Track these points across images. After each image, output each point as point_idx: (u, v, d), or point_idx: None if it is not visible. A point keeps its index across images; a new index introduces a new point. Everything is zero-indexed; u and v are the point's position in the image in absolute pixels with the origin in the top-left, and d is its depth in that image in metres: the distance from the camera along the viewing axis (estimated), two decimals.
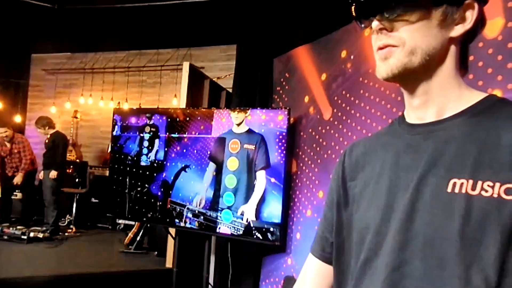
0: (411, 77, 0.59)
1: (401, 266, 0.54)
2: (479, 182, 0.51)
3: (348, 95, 2.08)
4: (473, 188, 0.51)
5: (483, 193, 0.50)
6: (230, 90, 3.58)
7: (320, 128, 2.29)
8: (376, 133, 0.74)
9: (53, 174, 4.37)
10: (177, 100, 4.93)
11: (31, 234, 4.02)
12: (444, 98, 0.59)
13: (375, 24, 0.58)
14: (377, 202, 0.61)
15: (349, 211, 0.68)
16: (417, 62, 0.57)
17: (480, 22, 0.59)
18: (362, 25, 0.62)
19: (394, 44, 0.57)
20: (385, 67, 0.58)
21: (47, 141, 4.59)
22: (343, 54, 2.17)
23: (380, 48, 0.59)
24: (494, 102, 0.57)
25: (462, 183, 0.52)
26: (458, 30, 0.58)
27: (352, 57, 2.10)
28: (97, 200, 5.31)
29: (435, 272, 0.51)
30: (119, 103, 5.82)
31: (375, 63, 0.61)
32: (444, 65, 0.59)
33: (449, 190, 0.52)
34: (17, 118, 5.86)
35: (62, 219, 5.09)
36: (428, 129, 0.59)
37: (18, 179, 4.52)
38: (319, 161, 2.28)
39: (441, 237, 0.51)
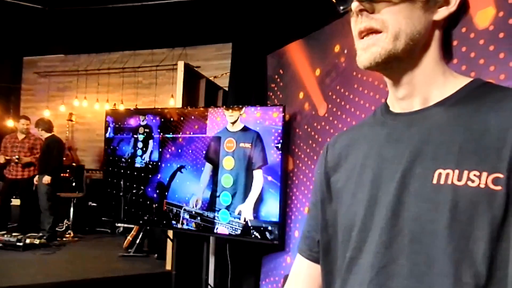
0: (394, 65, 0.56)
1: (387, 265, 0.52)
2: (465, 172, 0.48)
3: (342, 90, 2.05)
4: (459, 179, 0.48)
5: (469, 183, 0.47)
6: (227, 89, 3.54)
7: (315, 124, 2.26)
8: (359, 123, 0.71)
9: (46, 179, 4.32)
10: (174, 101, 4.89)
11: (27, 241, 3.95)
12: (429, 86, 0.57)
13: (354, 5, 0.55)
14: (360, 196, 0.58)
15: (333, 207, 0.65)
16: (401, 48, 0.54)
17: (463, 5, 0.56)
18: (341, 8, 0.58)
19: (377, 28, 0.54)
20: (367, 56, 0.55)
21: (42, 145, 4.57)
22: (336, 48, 2.13)
23: (361, 31, 0.55)
24: (479, 86, 0.55)
25: (447, 174, 0.49)
26: (442, 13, 0.55)
27: (345, 51, 2.07)
28: (95, 204, 5.27)
29: (422, 269, 0.49)
30: (114, 104, 5.77)
31: None
32: (428, 51, 0.56)
33: (434, 181, 0.50)
34: (10, 123, 5.81)
35: (60, 224, 5.05)
36: (411, 117, 0.57)
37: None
38: (315, 157, 2.25)
39: (428, 232, 0.49)
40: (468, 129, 0.51)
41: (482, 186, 0.47)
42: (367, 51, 0.55)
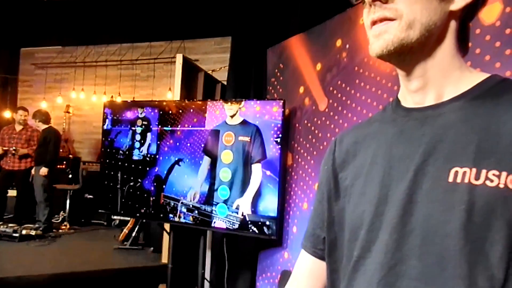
0: (407, 56, 0.54)
1: (397, 265, 0.50)
2: (483, 171, 0.46)
3: (343, 85, 2.03)
4: (477, 178, 0.46)
5: (487, 183, 0.46)
6: (225, 83, 3.52)
7: (315, 119, 2.24)
8: (368, 120, 0.68)
9: (43, 171, 4.30)
10: (172, 94, 4.85)
11: (23, 232, 3.96)
12: (444, 80, 0.55)
13: None
14: (369, 194, 0.57)
15: (341, 204, 0.63)
16: (415, 38, 0.52)
17: None
18: None
19: (390, 16, 0.52)
20: (379, 44, 0.53)
21: (39, 136, 4.54)
22: (338, 43, 2.11)
23: (374, 22, 0.53)
24: (497, 83, 0.53)
25: (464, 172, 0.47)
26: (458, 3, 0.53)
27: (347, 46, 2.05)
28: (91, 196, 5.25)
29: (434, 271, 0.48)
30: (112, 97, 5.73)
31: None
32: (443, 43, 0.54)
33: (450, 179, 0.48)
34: (7, 114, 5.76)
35: (56, 216, 5.03)
36: (424, 114, 0.55)
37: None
38: (314, 153, 2.23)
39: (442, 233, 0.47)
40: (485, 128, 0.49)
41: (501, 186, 0.45)
42: (380, 38, 0.53)
